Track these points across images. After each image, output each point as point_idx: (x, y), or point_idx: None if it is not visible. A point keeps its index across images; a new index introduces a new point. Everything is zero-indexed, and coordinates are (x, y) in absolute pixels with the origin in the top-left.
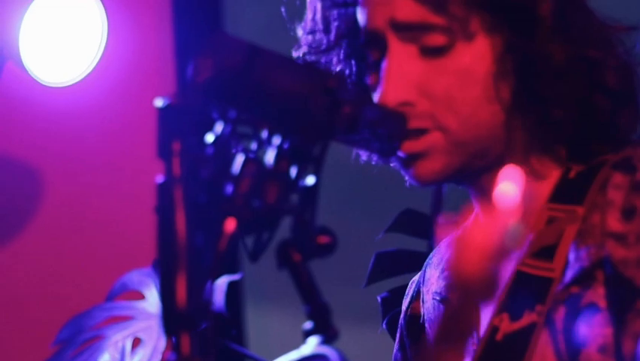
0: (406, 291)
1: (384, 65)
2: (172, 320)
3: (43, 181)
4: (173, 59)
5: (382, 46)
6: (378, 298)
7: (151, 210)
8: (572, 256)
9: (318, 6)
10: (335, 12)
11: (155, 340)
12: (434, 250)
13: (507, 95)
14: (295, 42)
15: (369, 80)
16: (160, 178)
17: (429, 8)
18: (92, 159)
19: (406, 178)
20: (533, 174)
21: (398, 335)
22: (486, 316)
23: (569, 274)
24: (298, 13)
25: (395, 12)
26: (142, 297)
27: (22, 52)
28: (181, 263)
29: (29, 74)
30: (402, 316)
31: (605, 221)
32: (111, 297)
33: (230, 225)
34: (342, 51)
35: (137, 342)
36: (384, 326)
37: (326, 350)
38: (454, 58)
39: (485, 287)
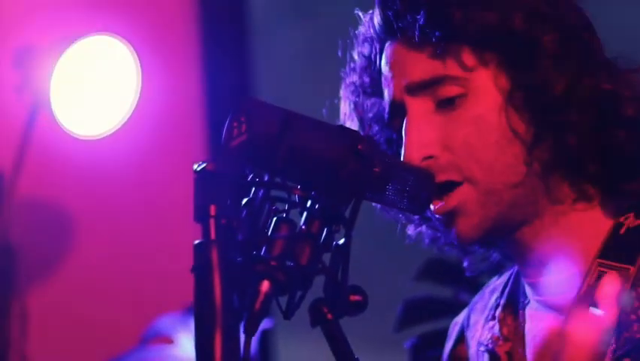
0: (449, 332)
1: (405, 125)
2: None
3: (77, 229)
4: (203, 110)
5: (403, 113)
6: (407, 345)
7: (181, 256)
8: (622, 320)
9: (352, 104)
10: (367, 104)
11: None
12: (478, 295)
13: (524, 132)
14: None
15: (400, 146)
16: (197, 240)
17: (437, 63)
18: (124, 210)
19: (450, 240)
20: (578, 225)
21: None
22: None
23: (621, 345)
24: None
25: (408, 77)
26: (172, 342)
27: (53, 104)
28: (217, 322)
29: (61, 127)
30: (445, 356)
31: None
32: (144, 341)
33: (265, 285)
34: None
35: None
36: None
37: None
38: (468, 107)
39: (541, 350)
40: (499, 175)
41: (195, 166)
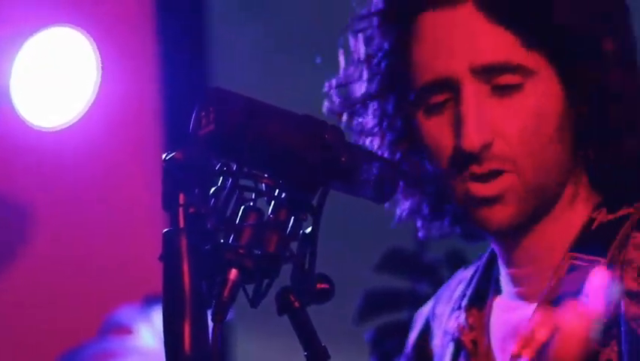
0: (413, 323)
1: (462, 108)
2: None
3: (35, 220)
4: (161, 102)
5: (451, 89)
6: (366, 336)
7: (139, 246)
8: None
9: (362, 53)
10: (382, 62)
11: None
12: (444, 286)
13: (575, 131)
14: (284, 81)
15: (428, 125)
16: (165, 228)
17: (509, 49)
18: (83, 201)
19: (473, 224)
20: (567, 219)
21: None
22: None
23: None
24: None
25: (478, 56)
26: (132, 333)
27: (13, 95)
28: (186, 310)
29: (22, 118)
30: (409, 348)
31: (623, 279)
32: (103, 332)
33: (233, 273)
34: (382, 102)
35: None
36: None
37: None
38: (526, 97)
39: (506, 335)
40: (546, 170)
41: (164, 155)
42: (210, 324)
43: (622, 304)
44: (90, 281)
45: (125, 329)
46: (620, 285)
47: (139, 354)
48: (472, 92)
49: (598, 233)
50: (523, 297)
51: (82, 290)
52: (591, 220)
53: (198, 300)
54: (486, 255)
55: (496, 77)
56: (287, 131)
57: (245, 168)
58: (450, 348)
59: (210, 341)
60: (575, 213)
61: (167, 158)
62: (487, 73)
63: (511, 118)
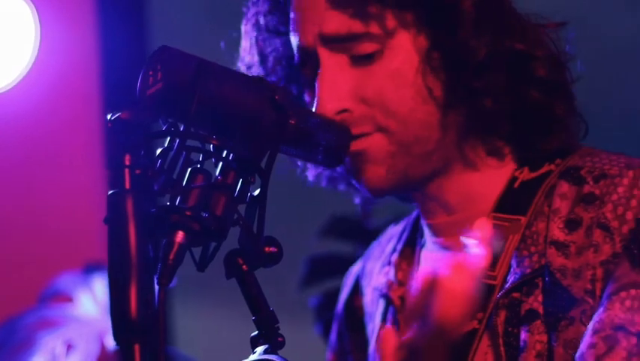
0: (344, 281)
1: (318, 77)
2: (123, 329)
3: None
4: (100, 65)
5: (315, 62)
6: (311, 302)
7: (80, 213)
8: (514, 263)
9: (254, 39)
10: (269, 42)
11: (87, 346)
12: (374, 242)
13: (439, 92)
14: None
15: (307, 98)
16: (111, 190)
17: (355, 19)
18: (22, 163)
19: (359, 190)
20: (481, 177)
21: (336, 326)
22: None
23: (511, 279)
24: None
25: (322, 26)
26: (72, 301)
27: None
28: (132, 273)
29: None
30: (340, 306)
31: (549, 229)
32: (43, 300)
33: (179, 236)
34: (278, 79)
35: (69, 347)
36: (318, 330)
37: (274, 358)
38: (384, 62)
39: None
40: (413, 129)
41: (109, 116)
42: (156, 288)
43: (547, 254)
44: (30, 248)
45: (64, 297)
46: (502, 238)
47: (79, 322)
48: (329, 62)
49: (520, 191)
50: (445, 247)
51: (21, 257)
52: (514, 179)
53: (144, 263)
54: (415, 211)
55: (350, 48)
56: (237, 91)
57: (193, 128)
58: (380, 305)
59: (156, 305)
60: (494, 170)
61: (113, 118)
62: (337, 42)
63: (370, 83)
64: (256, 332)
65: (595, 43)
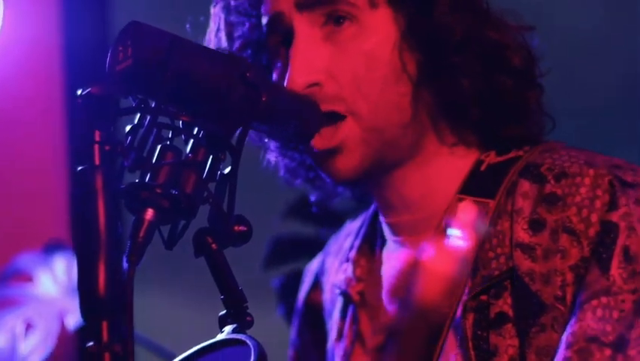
0: (303, 279)
1: (292, 49)
2: (91, 306)
3: None
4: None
5: (287, 33)
6: (274, 284)
7: (40, 193)
8: (479, 264)
9: (222, 21)
10: (239, 25)
11: (47, 325)
12: (332, 239)
13: (414, 71)
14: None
15: (276, 73)
16: (80, 166)
17: None
18: None
19: (324, 177)
20: (447, 164)
21: (297, 322)
22: (395, 316)
23: (478, 282)
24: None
25: None
26: (32, 280)
27: None
28: (101, 251)
29: None
30: (300, 304)
31: (514, 230)
32: (2, 279)
33: (149, 213)
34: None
35: (28, 326)
36: (281, 311)
37: (242, 337)
38: (360, 40)
39: (395, 284)
40: (384, 112)
41: (79, 91)
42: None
43: (514, 256)
44: None
45: (24, 277)
46: (486, 221)
47: (39, 302)
48: (303, 34)
49: (487, 175)
50: (407, 245)
51: None
52: (480, 162)
53: (113, 240)
54: (373, 207)
55: (326, 21)
56: (208, 68)
57: (163, 105)
58: (339, 302)
59: (125, 283)
60: (458, 159)
61: (83, 93)
62: (313, 11)
63: (343, 60)
64: (224, 312)
65: (550, 36)
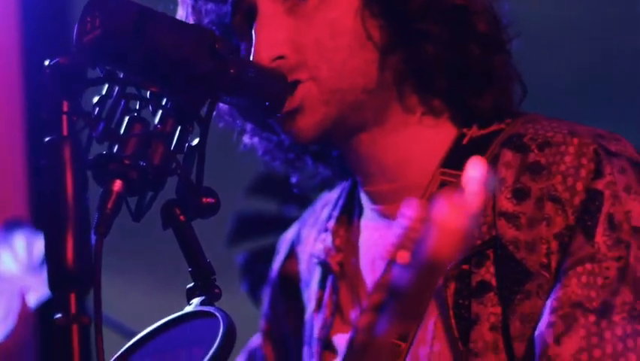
0: (278, 248)
1: (255, 25)
2: (60, 278)
3: None
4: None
5: (251, 11)
6: (238, 259)
7: (1, 171)
8: None
9: (190, 6)
10: (204, 6)
11: (7, 302)
12: (309, 210)
13: (379, 37)
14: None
15: (244, 51)
16: (48, 137)
17: None
18: None
19: (288, 139)
20: (421, 134)
21: (270, 293)
22: (371, 285)
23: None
24: None
25: None
26: None
27: None
28: (69, 222)
29: None
30: (274, 274)
31: (497, 199)
32: None
33: (117, 184)
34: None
35: None
36: (245, 287)
37: (210, 309)
38: (322, 10)
39: (376, 256)
40: (348, 77)
41: (47, 62)
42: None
43: (497, 225)
44: None
45: None
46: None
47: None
48: (266, 9)
49: (470, 148)
50: (385, 215)
51: None
52: (462, 135)
53: (81, 212)
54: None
55: None
56: (177, 39)
57: (132, 76)
58: (317, 271)
59: (93, 255)
60: (428, 129)
61: (51, 64)
62: None
63: (307, 31)
64: (192, 284)
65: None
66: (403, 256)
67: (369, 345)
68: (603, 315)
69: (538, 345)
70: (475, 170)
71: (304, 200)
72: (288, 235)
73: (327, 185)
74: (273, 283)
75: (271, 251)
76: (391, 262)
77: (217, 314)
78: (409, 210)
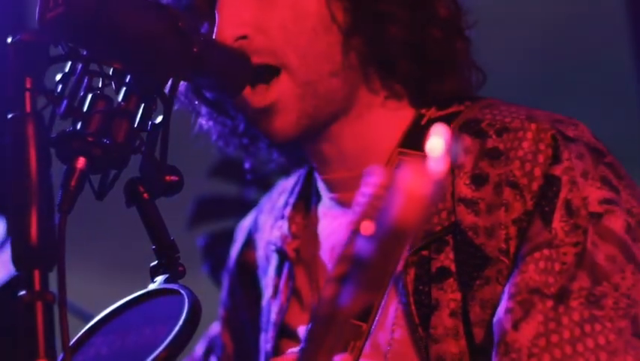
0: (235, 237)
1: (218, 4)
2: (24, 256)
3: None
4: None
5: None
6: (199, 242)
7: None
8: None
9: None
10: None
11: None
12: (265, 197)
13: (342, 19)
14: None
15: (205, 32)
16: (11, 113)
17: None
18: None
19: (263, 136)
20: (382, 118)
21: (228, 281)
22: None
23: (419, 237)
24: None
25: None
26: None
27: None
28: (32, 199)
29: None
30: (232, 262)
31: (455, 185)
32: None
33: (81, 162)
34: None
35: None
36: (206, 270)
37: (175, 287)
38: None
39: (335, 243)
40: (314, 63)
41: (9, 38)
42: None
43: (457, 211)
44: None
45: None
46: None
47: None
48: None
49: (427, 128)
50: (342, 203)
51: None
52: (420, 116)
53: (45, 189)
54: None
55: None
56: (141, 16)
57: (95, 53)
58: (274, 259)
59: (56, 232)
60: (391, 112)
61: (14, 40)
62: None
63: (271, 12)
64: (156, 262)
65: None
66: (367, 227)
67: (334, 317)
68: (560, 301)
69: (497, 331)
70: (439, 136)
71: (264, 183)
72: (245, 222)
73: (285, 171)
74: (230, 271)
75: (232, 234)
76: (355, 233)
77: (181, 291)
78: (372, 178)
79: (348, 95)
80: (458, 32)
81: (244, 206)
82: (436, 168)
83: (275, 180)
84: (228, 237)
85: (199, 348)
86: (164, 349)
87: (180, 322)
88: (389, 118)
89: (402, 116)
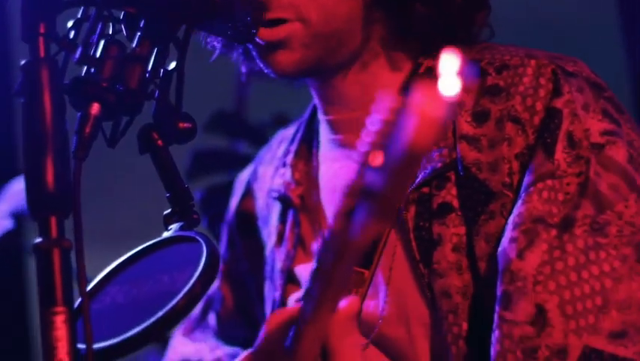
0: (234, 188)
1: None
2: (40, 202)
3: None
4: None
5: None
6: (196, 195)
7: None
8: None
9: None
10: None
11: None
12: (264, 147)
13: None
14: None
15: None
16: (25, 60)
17: None
18: None
19: (264, 69)
20: (386, 67)
21: (226, 233)
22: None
23: (420, 175)
24: None
25: None
26: None
27: None
28: (48, 146)
29: None
30: (231, 214)
31: (457, 123)
32: None
33: (95, 108)
34: None
35: None
36: (204, 223)
37: (191, 234)
38: None
39: (336, 186)
40: (332, 22)
41: None
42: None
43: (458, 148)
44: None
45: None
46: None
47: None
48: None
49: (426, 75)
50: (346, 145)
51: None
52: (418, 65)
53: (60, 135)
54: (307, 112)
55: None
56: None
57: None
58: (276, 207)
59: (72, 178)
60: (401, 65)
61: None
62: None
63: None
64: (169, 210)
65: None
66: (376, 158)
67: (344, 250)
68: (565, 229)
69: (501, 260)
70: (450, 58)
71: (255, 136)
72: (244, 175)
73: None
74: (229, 223)
75: (229, 188)
76: (363, 166)
77: (198, 238)
78: (384, 102)
79: (356, 50)
80: (479, 2)
81: (240, 160)
82: (449, 89)
83: (269, 133)
84: (226, 191)
85: (196, 308)
86: (184, 296)
87: (199, 268)
88: (393, 67)
89: (404, 65)
